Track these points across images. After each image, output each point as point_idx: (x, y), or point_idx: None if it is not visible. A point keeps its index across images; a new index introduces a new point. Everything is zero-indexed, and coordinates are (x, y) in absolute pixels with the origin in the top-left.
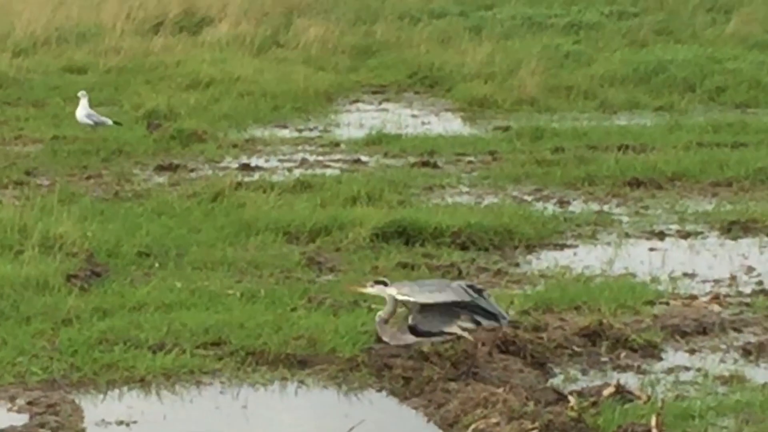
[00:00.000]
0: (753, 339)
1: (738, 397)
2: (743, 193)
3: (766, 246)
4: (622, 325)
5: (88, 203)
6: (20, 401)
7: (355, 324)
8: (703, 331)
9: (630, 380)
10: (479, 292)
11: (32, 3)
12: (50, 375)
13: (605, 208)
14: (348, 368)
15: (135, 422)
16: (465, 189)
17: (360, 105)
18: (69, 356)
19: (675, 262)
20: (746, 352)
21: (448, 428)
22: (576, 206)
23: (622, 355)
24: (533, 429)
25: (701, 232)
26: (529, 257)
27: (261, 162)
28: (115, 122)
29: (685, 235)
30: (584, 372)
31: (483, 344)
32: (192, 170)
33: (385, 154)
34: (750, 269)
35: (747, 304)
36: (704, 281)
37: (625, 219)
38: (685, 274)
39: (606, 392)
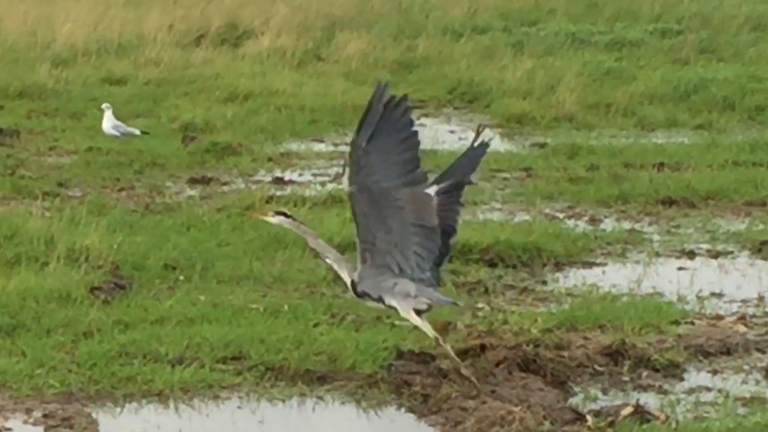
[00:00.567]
0: None
1: (758, 419)
2: None
3: None
4: (645, 344)
5: (117, 215)
6: (36, 414)
7: (376, 340)
8: (727, 351)
9: (650, 400)
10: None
11: (75, 14)
12: (67, 388)
13: (637, 226)
14: (367, 385)
15: None
16: (497, 205)
17: None
18: (87, 369)
19: (703, 281)
20: None
21: None
22: (607, 224)
23: (644, 374)
24: None
25: (732, 252)
26: (556, 275)
27: (294, 176)
28: (142, 132)
29: (716, 255)
30: (605, 391)
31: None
32: (225, 183)
33: None
34: None
35: None
36: (732, 301)
37: (656, 238)
38: (713, 294)
39: (624, 412)
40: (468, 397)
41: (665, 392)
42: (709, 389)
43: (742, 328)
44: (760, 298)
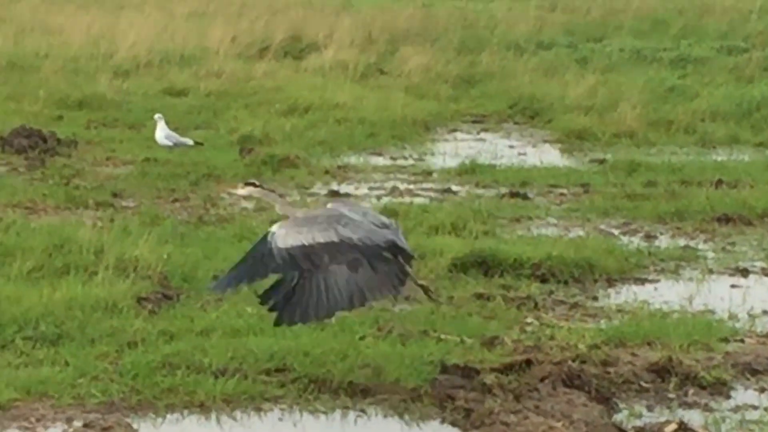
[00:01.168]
0: None
1: None
2: None
3: None
4: (693, 361)
5: (169, 226)
6: (77, 423)
7: (421, 354)
8: None
9: (695, 417)
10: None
11: (139, 26)
12: (109, 398)
13: (691, 243)
14: (411, 398)
15: None
16: (552, 221)
17: (458, 134)
18: (130, 379)
19: (756, 299)
20: None
21: None
22: (662, 241)
23: (690, 392)
24: None
25: None
26: (608, 291)
27: (351, 189)
28: (196, 143)
29: None
30: (650, 408)
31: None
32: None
33: (477, 184)
34: None
35: None
36: None
37: (711, 255)
38: (765, 312)
39: (668, 429)
40: (511, 411)
41: (711, 410)
42: (755, 407)
43: None
44: None
